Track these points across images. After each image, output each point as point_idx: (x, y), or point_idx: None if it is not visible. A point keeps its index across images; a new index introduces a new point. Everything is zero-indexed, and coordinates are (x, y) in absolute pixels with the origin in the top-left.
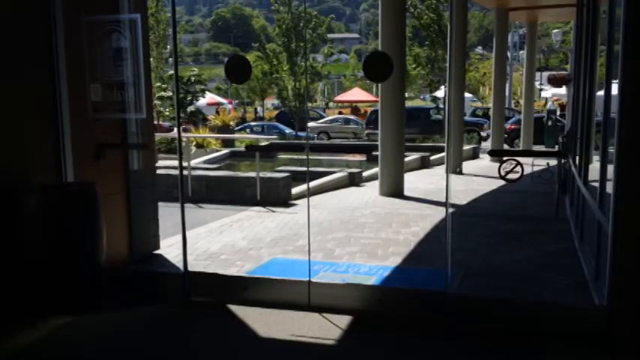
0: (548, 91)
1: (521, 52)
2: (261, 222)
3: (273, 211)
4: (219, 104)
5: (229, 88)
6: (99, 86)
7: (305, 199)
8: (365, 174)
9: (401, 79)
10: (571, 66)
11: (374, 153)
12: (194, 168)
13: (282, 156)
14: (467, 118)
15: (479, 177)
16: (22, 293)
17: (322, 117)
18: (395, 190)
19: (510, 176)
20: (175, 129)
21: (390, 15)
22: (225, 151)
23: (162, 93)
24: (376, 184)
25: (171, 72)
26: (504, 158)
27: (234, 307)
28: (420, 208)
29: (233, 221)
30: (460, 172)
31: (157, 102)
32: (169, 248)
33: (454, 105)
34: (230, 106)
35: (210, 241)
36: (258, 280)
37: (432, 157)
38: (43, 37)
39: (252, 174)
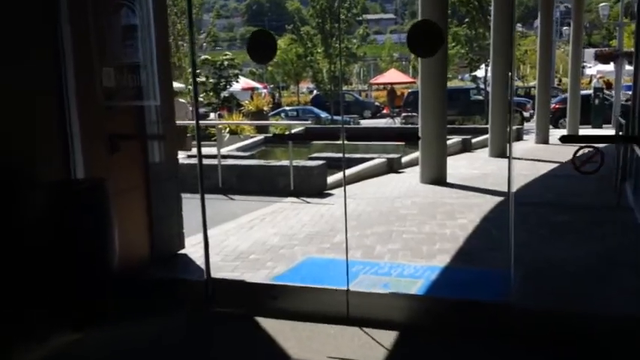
0: (593, 69)
1: (564, 28)
2: (295, 215)
3: (308, 202)
4: (254, 89)
5: (264, 72)
6: (111, 70)
7: (342, 188)
8: (404, 159)
9: (443, 59)
10: (618, 41)
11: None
12: (225, 156)
13: (317, 142)
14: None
15: (526, 161)
16: (19, 306)
17: (357, 100)
18: (437, 176)
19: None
20: (212, 114)
21: None
22: (259, 137)
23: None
24: (416, 170)
25: (205, 56)
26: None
27: (262, 320)
28: (466, 197)
29: (265, 215)
30: (504, 156)
31: (189, 87)
32: (195, 247)
33: (499, 84)
34: (265, 90)
35: (239, 238)
36: (289, 288)
37: (474, 140)
38: (44, 14)
39: (285, 162)
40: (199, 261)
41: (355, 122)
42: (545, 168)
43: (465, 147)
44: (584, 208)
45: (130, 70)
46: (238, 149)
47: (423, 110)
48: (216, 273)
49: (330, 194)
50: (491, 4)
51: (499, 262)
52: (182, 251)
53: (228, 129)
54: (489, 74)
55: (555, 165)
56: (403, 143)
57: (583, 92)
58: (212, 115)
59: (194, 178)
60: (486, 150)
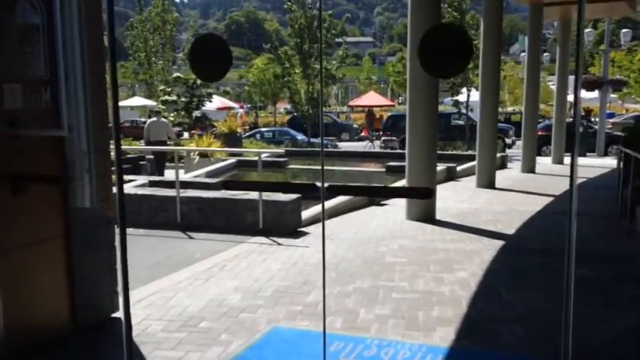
0: (571, 95)
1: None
2: (262, 261)
3: (279, 244)
4: (230, 109)
5: (242, 92)
6: (18, 87)
7: (318, 226)
8: None
9: (435, 81)
10: (604, 68)
11: (392, 164)
12: (188, 184)
13: (293, 166)
14: None
15: (515, 192)
16: None
17: (335, 122)
18: (425, 213)
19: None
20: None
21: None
22: (231, 160)
23: (167, 97)
24: (400, 203)
25: (177, 74)
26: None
27: None
28: (460, 239)
29: (227, 260)
30: (492, 186)
31: (161, 107)
32: (137, 306)
33: (487, 110)
34: (241, 110)
35: (191, 294)
36: None
37: (459, 168)
38: None
39: (254, 196)
40: (138, 327)
41: (333, 145)
42: (539, 202)
43: (450, 175)
44: (600, 258)
45: (42, 86)
46: (207, 174)
47: (412, 138)
48: (150, 354)
49: (304, 233)
50: (480, 27)
51: (518, 339)
52: (116, 314)
53: (197, 152)
54: (472, 99)
55: (549, 199)
56: (384, 170)
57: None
58: (185, 135)
59: (151, 211)
60: (472, 179)
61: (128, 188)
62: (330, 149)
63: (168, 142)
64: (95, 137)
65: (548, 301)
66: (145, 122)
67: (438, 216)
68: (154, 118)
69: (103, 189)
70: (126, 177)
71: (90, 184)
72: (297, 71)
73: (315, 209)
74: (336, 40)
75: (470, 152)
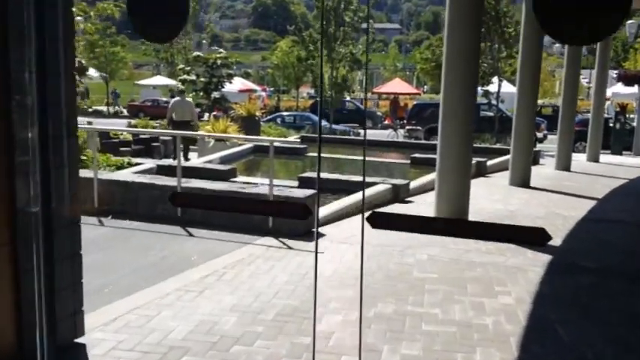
0: (608, 90)
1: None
2: (268, 269)
3: (289, 248)
4: (252, 91)
5: (266, 74)
6: None
7: (335, 226)
8: (413, 185)
9: (474, 70)
10: None
11: (417, 156)
12: (196, 169)
13: (313, 154)
14: None
15: (552, 193)
16: None
17: (359, 108)
18: (457, 214)
19: None
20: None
21: None
22: (248, 145)
23: (185, 76)
24: (429, 200)
25: (197, 53)
26: None
27: None
28: (499, 250)
29: (227, 266)
30: (527, 185)
31: (181, 86)
32: (109, 328)
33: (525, 102)
34: (264, 93)
35: (178, 312)
36: None
37: (489, 163)
38: None
39: (264, 189)
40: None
41: (355, 133)
42: (581, 207)
43: (480, 171)
44: None
45: None
46: (221, 159)
47: (444, 131)
48: None
49: (319, 234)
50: (522, 13)
51: None
52: (80, 339)
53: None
54: (503, 89)
55: (591, 203)
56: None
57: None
58: (206, 116)
59: (150, 201)
60: (504, 175)
61: (127, 174)
62: (352, 137)
63: (191, 123)
64: (62, 117)
65: (620, 344)
66: (167, 102)
67: (471, 218)
68: (178, 98)
69: (65, 183)
70: (132, 160)
71: (43, 177)
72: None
73: (334, 206)
74: (363, 25)
75: (499, 146)
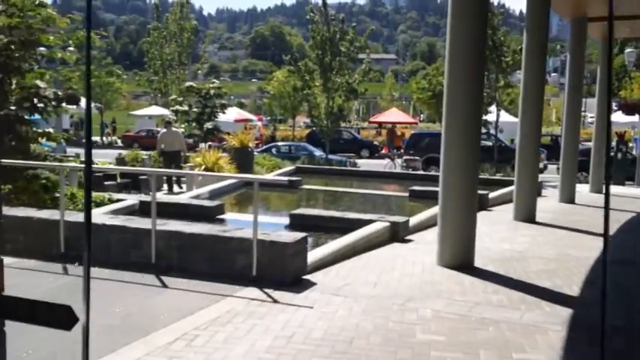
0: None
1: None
2: (247, 330)
3: (275, 301)
4: (248, 121)
5: (263, 104)
6: None
7: (327, 272)
8: (413, 222)
9: (478, 96)
10: None
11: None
12: (180, 206)
13: (308, 186)
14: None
15: (561, 229)
16: None
17: (355, 138)
18: (461, 257)
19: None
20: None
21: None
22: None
23: (178, 107)
24: (429, 239)
25: (189, 83)
26: None
27: None
28: (512, 302)
29: (200, 327)
30: (533, 220)
31: (173, 117)
32: None
33: (528, 132)
34: (259, 123)
35: None
36: None
37: (491, 195)
38: None
39: (247, 234)
40: None
41: (352, 163)
42: (592, 245)
43: (481, 204)
44: None
45: None
46: (211, 193)
47: (447, 163)
48: None
49: (309, 283)
50: (523, 42)
51: None
52: None
53: (203, 166)
54: (501, 119)
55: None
56: (407, 194)
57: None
58: (202, 146)
59: (122, 246)
60: (507, 209)
61: (98, 215)
62: (349, 168)
63: (181, 153)
64: None
65: None
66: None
67: (477, 261)
68: (165, 129)
69: None
70: (114, 196)
71: None
72: (317, 84)
73: (327, 248)
74: (359, 55)
75: (499, 176)
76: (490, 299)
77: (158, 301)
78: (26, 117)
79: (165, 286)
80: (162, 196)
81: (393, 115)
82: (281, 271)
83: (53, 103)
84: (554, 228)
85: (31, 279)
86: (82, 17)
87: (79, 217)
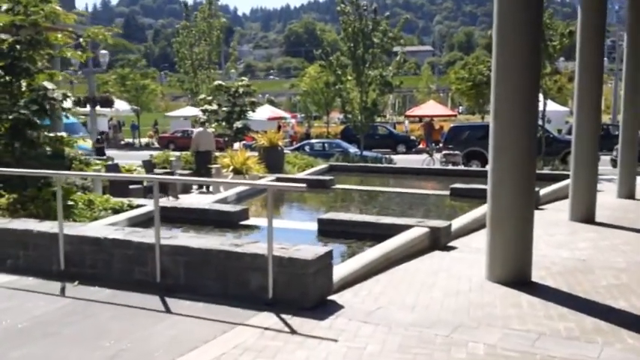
0: None
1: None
2: None
3: (293, 331)
4: (281, 118)
5: (298, 101)
6: None
7: (357, 291)
8: (456, 225)
9: (534, 85)
10: None
11: (457, 186)
12: (197, 211)
13: (340, 186)
14: (566, 136)
15: (625, 230)
16: None
17: (391, 133)
18: (516, 270)
19: None
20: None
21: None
22: (270, 177)
23: (207, 106)
24: (474, 245)
25: (218, 82)
26: None
27: None
28: (584, 331)
29: None
30: (592, 220)
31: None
32: None
33: (586, 122)
34: (293, 121)
35: None
36: None
37: (542, 192)
38: None
39: (262, 249)
40: None
41: (387, 160)
42: None
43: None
44: None
45: None
46: (238, 196)
47: (497, 159)
48: None
49: (335, 306)
50: (577, 25)
51: None
52: None
53: (231, 167)
54: (548, 108)
55: None
56: (448, 193)
57: None
58: (236, 146)
59: (125, 263)
60: (562, 207)
61: (100, 228)
62: (385, 165)
63: (212, 153)
64: None
65: None
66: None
67: (534, 273)
68: (201, 129)
69: None
70: (134, 201)
71: None
72: (349, 78)
73: (357, 261)
74: (394, 48)
75: (547, 170)
76: (556, 328)
77: (156, 331)
78: (37, 121)
79: (168, 310)
80: (183, 201)
81: (431, 107)
82: (301, 293)
83: (63, 104)
84: (616, 229)
85: (24, 301)
86: (88, 14)
87: (81, 229)
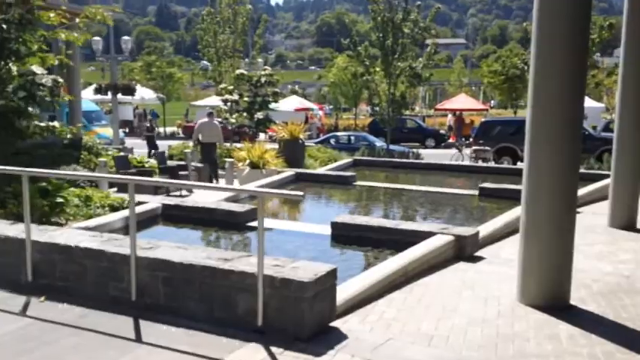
0: None
1: None
2: None
3: None
4: (309, 110)
5: (327, 93)
6: None
7: (364, 316)
8: (483, 231)
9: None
10: None
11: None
12: (202, 210)
13: (362, 183)
14: (601, 133)
15: None
16: None
17: (420, 127)
18: (553, 293)
19: None
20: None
21: None
22: (289, 173)
23: (228, 96)
24: (504, 256)
25: (240, 71)
26: None
27: None
28: None
29: None
30: (634, 226)
31: (223, 107)
32: None
33: (630, 119)
34: (321, 112)
35: None
36: None
37: (579, 193)
38: None
39: (251, 266)
40: None
41: (415, 155)
42: None
43: None
44: None
45: None
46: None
47: (533, 160)
48: None
49: (338, 336)
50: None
51: None
52: None
53: (248, 161)
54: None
55: None
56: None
57: None
58: (262, 136)
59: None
60: (599, 211)
61: (71, 235)
62: (411, 160)
63: (217, 145)
64: None
65: None
66: (221, 122)
67: (573, 293)
68: (206, 119)
69: None
70: (140, 197)
71: None
72: (377, 69)
73: (368, 278)
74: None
75: (583, 170)
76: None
77: None
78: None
79: (139, 339)
80: (193, 198)
81: (462, 101)
82: (296, 321)
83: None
84: None
85: None
86: None
87: (51, 236)
